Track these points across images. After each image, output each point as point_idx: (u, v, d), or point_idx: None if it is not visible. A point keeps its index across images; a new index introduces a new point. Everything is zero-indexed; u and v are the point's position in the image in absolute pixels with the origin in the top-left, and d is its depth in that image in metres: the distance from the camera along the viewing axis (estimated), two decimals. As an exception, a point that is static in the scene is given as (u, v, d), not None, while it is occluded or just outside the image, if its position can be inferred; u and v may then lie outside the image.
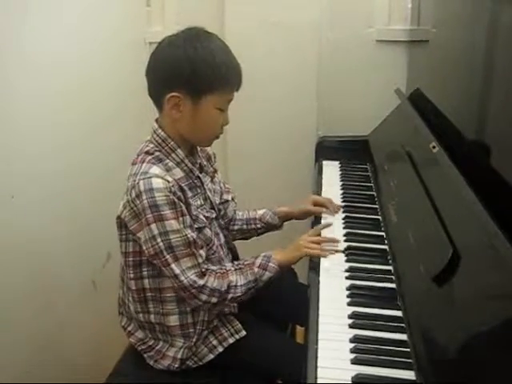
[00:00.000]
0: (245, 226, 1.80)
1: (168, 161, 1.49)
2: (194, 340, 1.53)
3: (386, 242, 1.59)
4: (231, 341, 1.55)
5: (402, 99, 2.12)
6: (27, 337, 1.78)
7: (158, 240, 1.40)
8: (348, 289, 1.37)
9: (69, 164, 1.90)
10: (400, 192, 1.65)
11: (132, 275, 1.51)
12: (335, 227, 1.68)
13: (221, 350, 1.55)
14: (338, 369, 1.11)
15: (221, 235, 1.64)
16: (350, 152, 2.27)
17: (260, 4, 2.40)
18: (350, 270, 1.46)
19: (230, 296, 1.48)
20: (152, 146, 1.49)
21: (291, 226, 1.86)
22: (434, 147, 1.51)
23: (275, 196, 2.40)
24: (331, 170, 2.17)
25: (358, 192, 1.97)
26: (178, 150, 1.50)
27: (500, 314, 0.94)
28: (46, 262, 1.86)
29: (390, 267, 1.46)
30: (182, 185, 1.46)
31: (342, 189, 2.00)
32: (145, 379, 1.56)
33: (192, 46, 1.43)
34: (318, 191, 1.98)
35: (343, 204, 1.85)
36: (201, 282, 1.44)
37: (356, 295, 1.34)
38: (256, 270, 1.51)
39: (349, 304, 1.31)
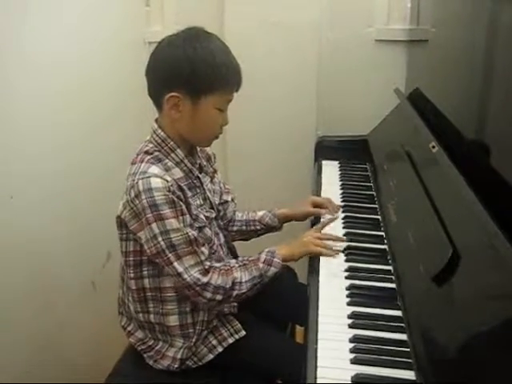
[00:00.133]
0: (244, 227, 1.80)
1: (167, 161, 1.49)
2: (194, 340, 1.53)
3: (385, 241, 1.59)
4: (231, 341, 1.55)
5: (401, 99, 2.12)
6: (27, 337, 1.78)
7: (159, 239, 1.40)
8: (348, 289, 1.37)
9: (69, 164, 1.91)
10: (399, 192, 1.65)
11: (132, 275, 1.51)
12: (335, 227, 1.68)
13: (220, 350, 1.55)
14: (338, 368, 1.11)
15: (220, 235, 1.65)
16: (350, 152, 2.27)
17: (259, 4, 2.40)
18: (349, 269, 1.46)
19: (235, 293, 1.48)
20: (151, 145, 1.49)
21: (291, 227, 1.86)
22: (433, 147, 1.51)
23: (275, 196, 2.40)
24: (331, 170, 2.17)
25: (358, 192, 1.97)
26: (178, 150, 1.50)
27: (500, 313, 0.95)
28: (45, 262, 1.86)
29: (389, 267, 1.46)
30: (182, 184, 1.46)
31: (341, 188, 2.00)
32: (144, 379, 1.56)
33: (191, 46, 1.43)
34: (318, 191, 1.98)
35: (343, 204, 1.85)
36: (204, 280, 1.44)
37: (356, 295, 1.35)
38: (261, 265, 1.51)
39: (348, 304, 1.31)
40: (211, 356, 1.55)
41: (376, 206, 1.83)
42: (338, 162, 2.25)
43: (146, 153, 1.48)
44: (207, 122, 1.49)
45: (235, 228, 1.79)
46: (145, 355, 1.58)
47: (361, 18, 2.44)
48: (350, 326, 1.23)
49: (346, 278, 1.42)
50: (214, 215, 1.61)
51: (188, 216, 1.44)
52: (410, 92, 2.14)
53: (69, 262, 1.97)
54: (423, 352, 1.08)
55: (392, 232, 1.58)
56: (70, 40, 1.91)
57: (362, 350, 1.15)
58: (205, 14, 2.40)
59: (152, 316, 1.54)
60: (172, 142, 1.49)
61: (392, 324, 1.23)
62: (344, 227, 1.69)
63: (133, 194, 1.41)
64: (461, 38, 1.63)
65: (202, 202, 1.56)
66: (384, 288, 1.38)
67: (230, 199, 1.77)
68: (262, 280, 1.51)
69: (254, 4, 2.40)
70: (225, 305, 1.53)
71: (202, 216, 1.52)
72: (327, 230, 1.68)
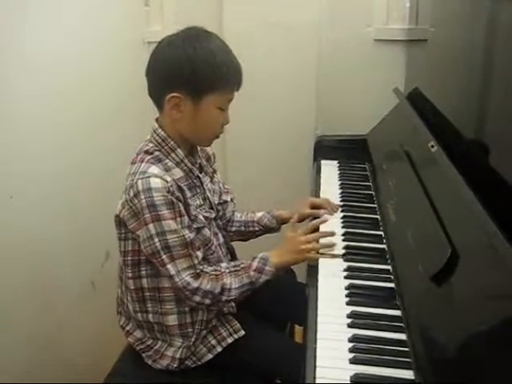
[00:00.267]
0: (243, 228, 1.80)
1: (167, 160, 1.49)
2: (193, 340, 1.53)
3: (384, 241, 1.59)
4: (230, 341, 1.56)
5: (400, 98, 2.12)
6: (27, 337, 1.78)
7: (155, 240, 1.41)
8: (347, 288, 1.37)
9: (68, 164, 1.91)
10: (398, 191, 1.65)
11: (130, 274, 1.51)
12: (334, 227, 1.68)
13: (219, 349, 1.55)
14: (337, 368, 1.11)
15: (220, 235, 1.65)
16: (349, 151, 2.27)
17: (259, 4, 2.40)
18: (348, 269, 1.46)
19: (223, 298, 1.48)
20: (152, 145, 1.49)
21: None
22: (432, 146, 1.51)
23: (274, 195, 2.40)
24: (330, 170, 2.17)
25: (357, 191, 1.96)
26: (178, 150, 1.50)
27: (499, 313, 0.95)
28: (45, 262, 1.86)
29: (388, 266, 1.46)
30: (181, 185, 1.46)
31: (340, 188, 1.99)
32: (143, 379, 1.56)
33: (192, 45, 1.43)
34: (317, 190, 1.98)
35: (342, 203, 1.85)
36: (195, 285, 1.44)
37: (355, 295, 1.34)
38: (252, 273, 1.50)
39: (347, 303, 1.31)
40: (210, 356, 1.55)
41: (375, 205, 1.83)
42: (337, 161, 2.25)
43: (146, 152, 1.48)
44: (208, 121, 1.49)
45: (234, 228, 1.79)
46: (143, 355, 1.58)
47: (360, 17, 2.44)
48: (349, 326, 1.23)
49: (345, 277, 1.42)
50: (213, 215, 1.61)
51: (186, 217, 1.44)
52: (409, 92, 2.14)
53: (68, 261, 1.97)
54: (422, 351, 1.08)
55: (391, 231, 1.58)
56: (70, 40, 1.91)
57: (361, 350, 1.15)
58: (204, 14, 2.40)
59: (151, 316, 1.54)
60: (172, 142, 1.49)
61: (391, 324, 1.23)
62: (343, 227, 1.69)
63: (132, 194, 1.41)
64: (460, 37, 1.64)
65: (201, 202, 1.56)
66: (383, 288, 1.37)
67: (229, 199, 1.77)
68: (253, 286, 1.51)
69: (254, 4, 2.40)
70: (220, 306, 1.53)
71: (201, 216, 1.52)
72: (322, 228, 1.67)
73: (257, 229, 1.81)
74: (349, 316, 1.26)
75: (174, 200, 1.41)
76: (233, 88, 1.49)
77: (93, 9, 2.05)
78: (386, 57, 2.45)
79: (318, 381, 1.08)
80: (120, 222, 1.48)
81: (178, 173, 1.49)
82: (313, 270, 1.48)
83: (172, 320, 1.53)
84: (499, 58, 1.32)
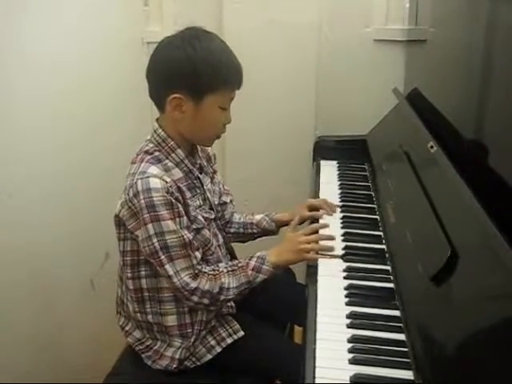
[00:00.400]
0: (241, 230, 1.80)
1: (167, 161, 1.49)
2: (192, 340, 1.53)
3: (383, 241, 1.59)
4: (229, 341, 1.56)
5: (399, 99, 2.12)
6: (27, 337, 1.78)
7: (154, 240, 1.41)
8: (346, 288, 1.37)
9: (68, 164, 1.91)
10: (398, 192, 1.66)
11: (130, 275, 1.52)
12: (333, 227, 1.68)
13: (219, 350, 1.55)
14: (336, 369, 1.11)
15: (219, 236, 1.64)
16: (348, 152, 2.27)
17: (259, 4, 2.40)
18: (347, 269, 1.45)
19: (221, 297, 1.48)
20: (152, 145, 1.49)
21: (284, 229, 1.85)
22: (431, 147, 1.51)
23: (273, 195, 2.40)
24: (329, 170, 2.17)
25: (356, 192, 1.96)
26: (178, 150, 1.50)
27: (498, 314, 0.95)
28: (45, 262, 1.87)
29: (388, 267, 1.46)
30: (181, 185, 1.46)
31: (339, 188, 1.99)
32: (143, 379, 1.56)
33: (191, 46, 1.42)
34: (316, 191, 1.98)
35: (341, 204, 1.85)
36: (193, 285, 1.44)
37: (354, 295, 1.34)
38: (250, 272, 1.50)
39: (347, 304, 1.31)
40: (210, 356, 1.55)
41: (374, 205, 1.83)
42: (336, 161, 2.24)
43: (146, 152, 1.48)
44: (210, 121, 1.49)
45: (232, 230, 1.79)
46: (143, 355, 1.58)
47: (359, 18, 2.44)
48: (349, 326, 1.23)
49: (345, 277, 1.42)
50: (213, 216, 1.60)
51: (185, 218, 1.44)
52: (408, 92, 2.14)
53: (68, 262, 1.98)
54: (421, 352, 1.08)
55: (390, 232, 1.58)
56: (70, 40, 1.92)
57: (361, 350, 1.15)
58: (203, 14, 2.40)
59: (150, 316, 1.54)
60: (172, 142, 1.49)
61: (390, 324, 1.23)
62: (342, 227, 1.69)
63: (131, 194, 1.41)
64: (459, 38, 1.64)
65: (201, 203, 1.56)
66: (382, 288, 1.37)
67: (228, 201, 1.77)
68: (251, 286, 1.51)
69: (253, 4, 2.40)
70: (218, 305, 1.53)
71: (200, 217, 1.52)
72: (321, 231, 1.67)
73: (255, 231, 1.81)
74: (348, 316, 1.26)
75: (173, 200, 1.41)
76: (233, 87, 1.49)
77: (93, 9, 2.05)
78: (386, 57, 2.45)
79: (317, 381, 1.08)
80: (119, 222, 1.48)
81: (177, 173, 1.49)
82: (312, 271, 1.47)
83: (171, 320, 1.53)
84: (499, 58, 1.33)
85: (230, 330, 1.57)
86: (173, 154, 1.49)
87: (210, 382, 1.55)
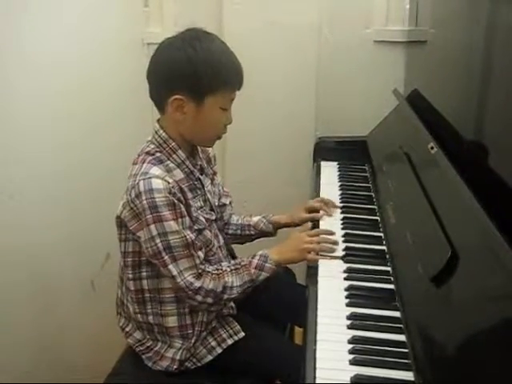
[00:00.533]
0: (239, 231, 1.80)
1: (169, 162, 1.49)
2: (193, 341, 1.53)
3: (384, 242, 1.59)
4: (230, 342, 1.56)
5: (400, 100, 2.12)
6: (27, 338, 1.78)
7: (157, 241, 1.41)
8: (346, 289, 1.37)
9: (68, 164, 1.91)
10: (398, 193, 1.65)
11: (131, 275, 1.51)
12: (334, 228, 1.68)
13: (219, 351, 1.55)
14: (337, 370, 1.11)
15: (220, 237, 1.65)
16: (349, 153, 2.27)
17: (259, 5, 2.40)
18: (348, 270, 1.45)
19: (225, 296, 1.48)
20: (153, 146, 1.50)
21: (289, 229, 1.85)
22: (432, 148, 1.51)
23: (273, 196, 2.40)
24: (329, 171, 2.17)
25: (357, 193, 1.96)
26: (179, 152, 1.50)
27: (498, 315, 0.95)
28: (45, 263, 1.87)
29: (388, 268, 1.46)
30: (183, 186, 1.46)
31: (340, 189, 1.99)
32: (143, 380, 1.56)
33: (192, 47, 1.43)
34: (316, 192, 1.98)
35: (341, 205, 1.85)
36: (197, 284, 1.44)
37: (354, 296, 1.34)
38: (253, 270, 1.51)
39: (347, 305, 1.31)
40: (210, 357, 1.55)
41: (375, 206, 1.83)
42: (336, 162, 2.24)
43: (148, 153, 1.48)
44: (212, 122, 1.49)
45: (230, 231, 1.79)
46: (143, 356, 1.57)
47: (359, 19, 2.44)
48: (349, 327, 1.23)
49: (345, 278, 1.42)
50: (214, 217, 1.60)
51: (187, 218, 1.44)
52: (408, 93, 2.14)
53: (69, 263, 1.98)
54: (422, 353, 1.08)
55: (391, 233, 1.58)
56: (70, 40, 1.92)
57: (361, 351, 1.15)
58: (204, 15, 2.40)
59: (151, 317, 1.54)
60: (174, 143, 1.49)
61: (391, 325, 1.23)
62: (343, 228, 1.69)
63: (133, 195, 1.41)
64: (459, 39, 1.64)
65: (202, 204, 1.56)
66: (383, 289, 1.37)
67: (227, 202, 1.76)
68: (254, 284, 1.51)
69: (254, 5, 2.40)
70: (222, 304, 1.53)
71: (201, 218, 1.52)
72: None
73: (252, 233, 1.81)
74: (348, 317, 1.26)
75: (176, 201, 1.41)
76: (234, 88, 1.49)
77: (93, 9, 2.05)
78: (386, 58, 2.45)
79: (317, 381, 1.08)
80: (121, 223, 1.48)
81: (179, 174, 1.49)
82: (312, 272, 1.47)
83: (172, 321, 1.53)
84: (499, 59, 1.33)
85: (231, 331, 1.57)
86: (174, 155, 1.49)
87: (210, 382, 1.55)
